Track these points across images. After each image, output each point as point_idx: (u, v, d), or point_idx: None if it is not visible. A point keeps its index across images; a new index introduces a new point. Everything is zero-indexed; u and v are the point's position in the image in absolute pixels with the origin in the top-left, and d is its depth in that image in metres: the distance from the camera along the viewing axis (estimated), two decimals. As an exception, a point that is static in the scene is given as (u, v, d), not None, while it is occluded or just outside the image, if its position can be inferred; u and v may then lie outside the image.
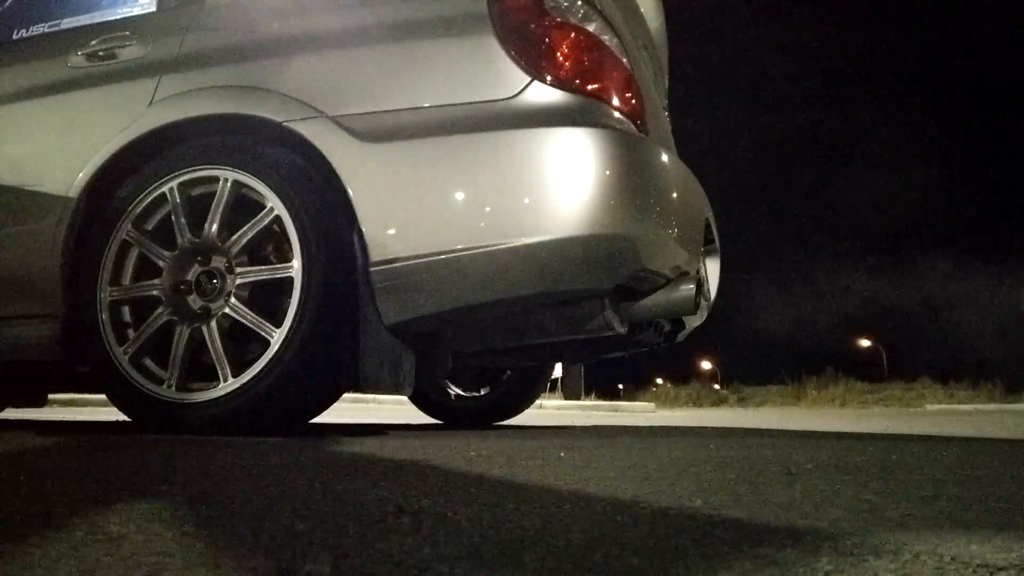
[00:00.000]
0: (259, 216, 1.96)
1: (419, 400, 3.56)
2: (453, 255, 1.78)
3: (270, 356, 1.84)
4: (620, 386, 35.49)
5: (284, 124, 1.94)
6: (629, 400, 21.66)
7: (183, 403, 1.90)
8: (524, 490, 1.01)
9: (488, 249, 1.76)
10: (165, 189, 2.04)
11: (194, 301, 2.00)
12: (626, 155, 1.85)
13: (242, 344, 2.01)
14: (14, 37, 2.47)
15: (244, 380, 1.85)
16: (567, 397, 15.39)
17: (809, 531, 0.75)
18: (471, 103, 1.86)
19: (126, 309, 2.06)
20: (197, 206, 2.04)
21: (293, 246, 1.89)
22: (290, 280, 1.89)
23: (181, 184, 2.03)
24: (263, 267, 2.00)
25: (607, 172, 1.78)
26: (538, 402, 5.53)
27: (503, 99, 1.85)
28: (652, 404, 17.01)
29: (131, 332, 2.03)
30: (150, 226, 2.07)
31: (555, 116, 1.83)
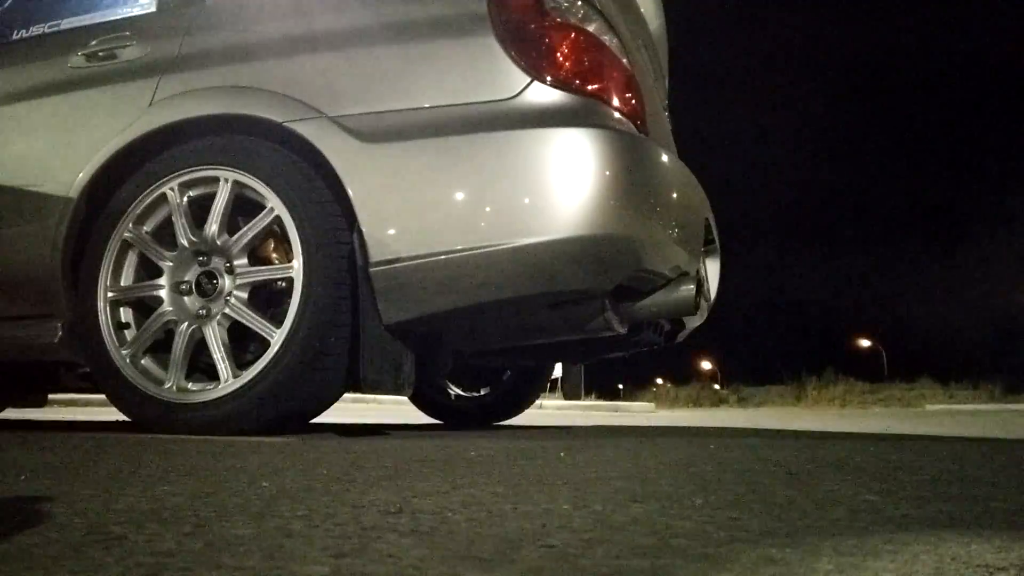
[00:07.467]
0: (259, 216, 1.96)
1: (419, 400, 3.56)
2: (453, 255, 1.78)
3: (270, 356, 1.84)
4: (620, 386, 35.47)
5: (284, 124, 1.94)
6: (629, 400, 21.64)
7: (183, 403, 1.91)
8: (524, 490, 1.01)
9: (488, 249, 1.76)
10: (165, 189, 2.05)
11: (194, 301, 2.01)
12: (626, 155, 1.85)
13: (242, 344, 2.01)
14: (14, 37, 2.47)
15: (244, 380, 1.86)
16: (567, 397, 15.38)
17: (809, 531, 0.75)
18: (471, 103, 1.86)
19: (126, 309, 2.06)
20: (197, 206, 2.05)
21: (293, 246, 1.90)
22: (290, 280, 1.90)
23: (181, 184, 2.04)
24: (263, 267, 2.00)
25: (607, 172, 1.78)
26: (538, 402, 5.53)
27: (503, 99, 1.85)
28: (652, 404, 17.00)
29: (131, 332, 2.04)
30: (150, 226, 2.07)
31: (555, 116, 1.83)
